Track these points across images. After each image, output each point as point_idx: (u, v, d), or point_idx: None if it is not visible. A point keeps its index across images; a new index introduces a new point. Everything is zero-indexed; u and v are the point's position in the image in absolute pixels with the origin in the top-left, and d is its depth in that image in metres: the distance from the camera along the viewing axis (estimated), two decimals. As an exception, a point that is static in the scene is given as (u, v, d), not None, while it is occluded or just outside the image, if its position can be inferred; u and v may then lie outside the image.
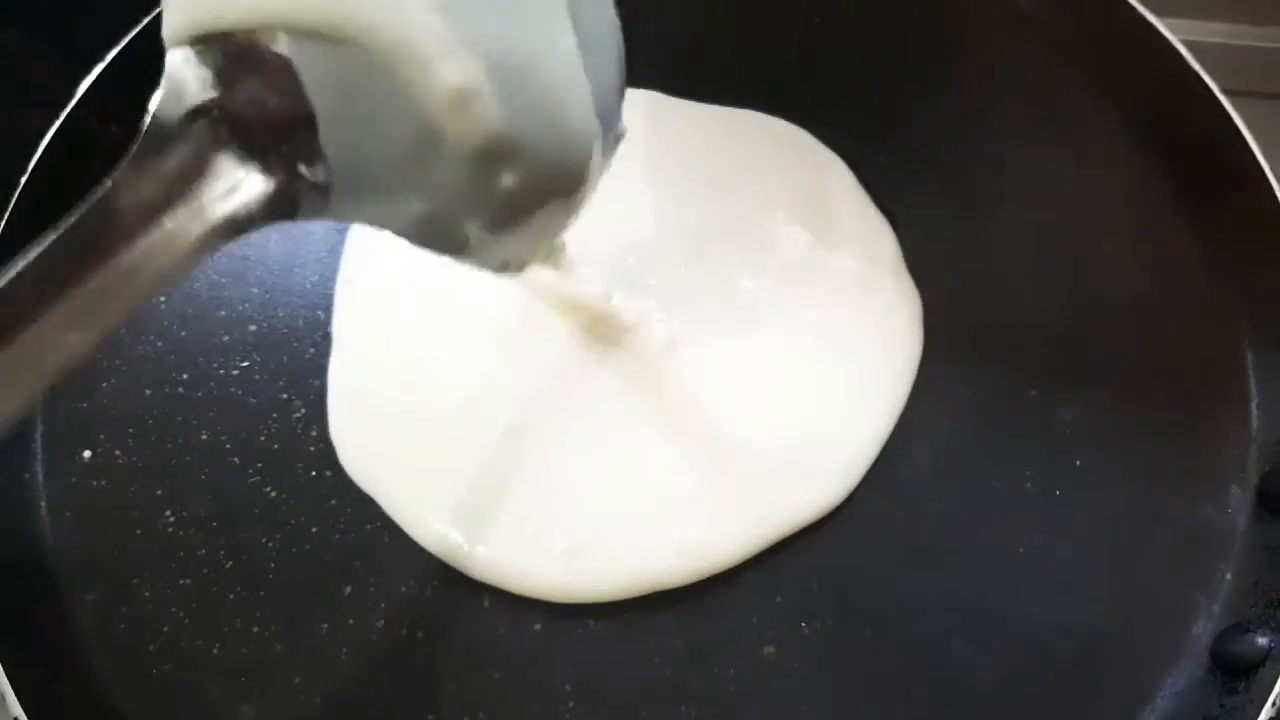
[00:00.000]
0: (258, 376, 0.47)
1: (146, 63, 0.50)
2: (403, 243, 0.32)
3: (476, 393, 0.47)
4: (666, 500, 0.44)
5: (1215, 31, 0.60)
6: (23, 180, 0.48)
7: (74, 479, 0.45)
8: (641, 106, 0.52)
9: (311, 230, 0.50)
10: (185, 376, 0.47)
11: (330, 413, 0.46)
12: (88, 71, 0.51)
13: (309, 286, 0.49)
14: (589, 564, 0.43)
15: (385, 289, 0.49)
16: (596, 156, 0.31)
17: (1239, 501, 0.43)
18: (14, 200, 0.48)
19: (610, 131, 0.32)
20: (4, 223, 0.47)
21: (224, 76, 0.27)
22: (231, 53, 0.27)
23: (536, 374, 0.47)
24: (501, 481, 0.44)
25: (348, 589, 0.42)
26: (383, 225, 0.31)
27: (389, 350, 0.48)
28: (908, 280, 0.47)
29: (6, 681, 0.39)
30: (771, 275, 0.48)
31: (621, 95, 0.34)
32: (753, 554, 0.43)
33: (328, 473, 0.45)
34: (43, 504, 0.45)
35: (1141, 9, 0.49)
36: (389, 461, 0.45)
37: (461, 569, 0.43)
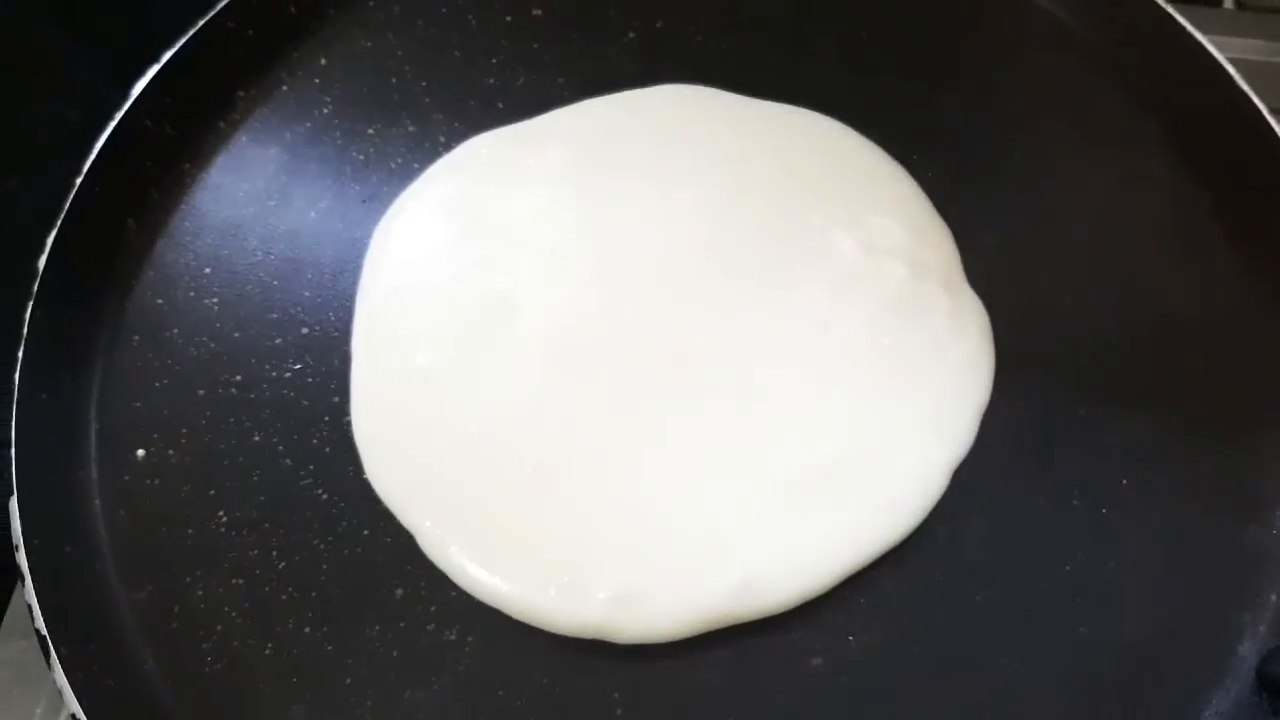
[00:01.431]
0: (310, 380, 0.47)
1: (200, 64, 0.52)
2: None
3: (511, 418, 0.45)
4: (721, 537, 0.42)
5: (1261, 49, 0.61)
6: (79, 180, 0.49)
7: (127, 478, 0.46)
8: (694, 101, 0.52)
9: (361, 236, 0.50)
10: (238, 378, 0.47)
11: (357, 437, 0.46)
12: (127, 68, 0.51)
13: (362, 291, 0.49)
14: (635, 612, 0.41)
15: (407, 301, 0.48)
16: None
17: (1286, 522, 0.43)
18: (71, 198, 0.48)
19: None
20: (60, 221, 0.48)
21: None
22: None
23: (581, 398, 0.46)
24: (538, 518, 0.43)
25: (399, 591, 0.43)
26: None
27: (413, 367, 0.47)
28: (972, 295, 0.47)
29: (64, 678, 0.40)
30: (836, 290, 0.47)
31: None
32: (812, 596, 0.42)
33: (379, 476, 0.45)
34: (96, 502, 0.45)
35: (1188, 26, 0.50)
36: (423, 496, 0.44)
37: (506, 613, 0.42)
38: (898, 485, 0.43)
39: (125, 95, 0.50)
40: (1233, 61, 0.48)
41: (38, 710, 0.48)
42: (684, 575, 0.42)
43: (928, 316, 0.46)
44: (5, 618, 0.51)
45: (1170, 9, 0.50)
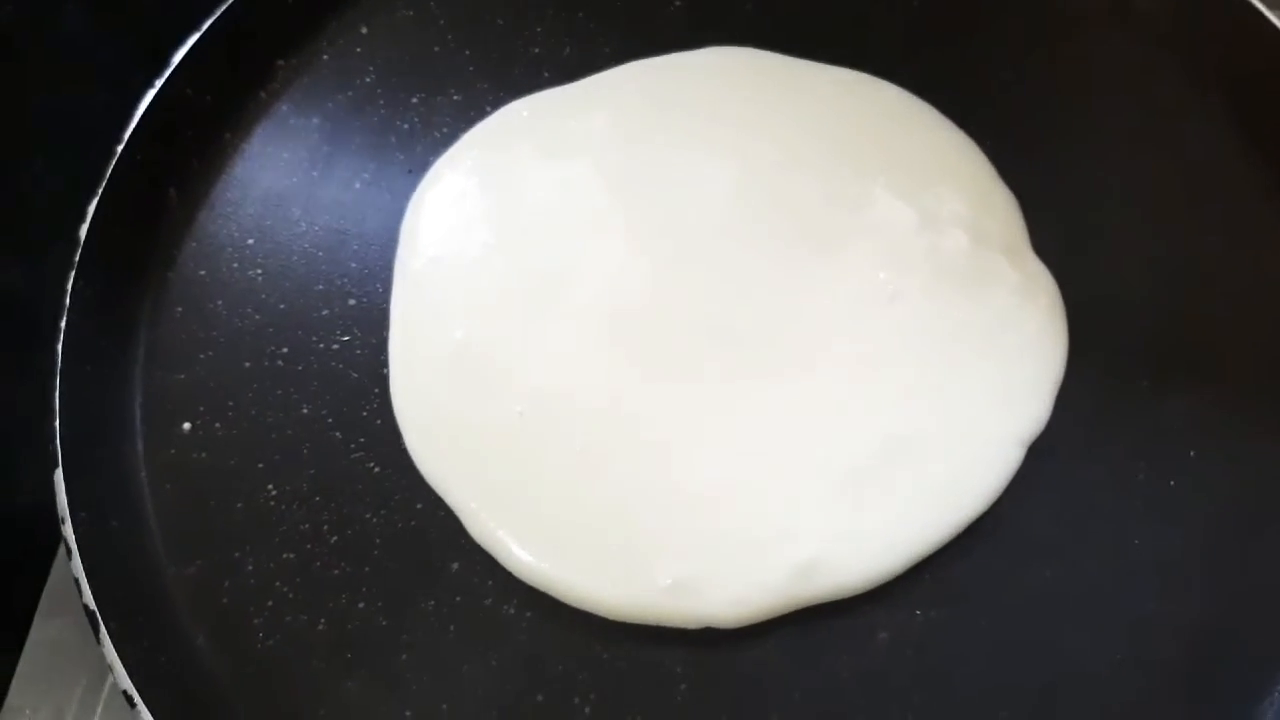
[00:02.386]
0: (359, 351, 0.46)
1: (240, 33, 0.51)
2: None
3: (557, 394, 0.44)
4: (786, 519, 0.41)
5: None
6: (119, 149, 0.48)
7: (173, 451, 0.45)
8: (745, 64, 0.51)
9: (407, 207, 0.49)
10: (285, 350, 0.46)
11: (397, 414, 0.44)
12: (155, 51, 0.50)
13: (408, 261, 0.48)
14: (698, 600, 0.40)
15: (444, 272, 0.47)
16: None
17: (1354, 496, 0.43)
18: (111, 166, 0.47)
19: None
20: (101, 189, 0.47)
21: None
22: None
23: (631, 373, 0.44)
24: (590, 500, 0.42)
25: (455, 565, 0.42)
26: None
27: (451, 341, 0.45)
28: (1040, 265, 0.46)
29: (115, 654, 0.39)
30: (900, 260, 0.45)
31: None
32: (882, 581, 0.40)
33: (431, 449, 0.44)
34: (143, 475, 0.44)
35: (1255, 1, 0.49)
36: (467, 475, 0.43)
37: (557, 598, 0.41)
38: (970, 464, 0.42)
39: (153, 76, 0.49)
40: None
41: (78, 691, 0.47)
42: (748, 561, 0.40)
43: (996, 288, 0.45)
44: (42, 597, 0.50)
45: (1230, -22, 0.49)
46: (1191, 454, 0.43)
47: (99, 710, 0.47)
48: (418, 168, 0.50)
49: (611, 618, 0.40)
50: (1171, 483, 0.43)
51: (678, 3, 0.54)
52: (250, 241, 0.49)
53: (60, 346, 0.44)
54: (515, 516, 0.42)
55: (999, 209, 0.47)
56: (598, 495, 0.42)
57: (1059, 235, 0.47)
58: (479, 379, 0.45)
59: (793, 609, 0.40)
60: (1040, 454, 0.43)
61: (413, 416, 0.44)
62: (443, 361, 0.45)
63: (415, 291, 0.47)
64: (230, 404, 0.45)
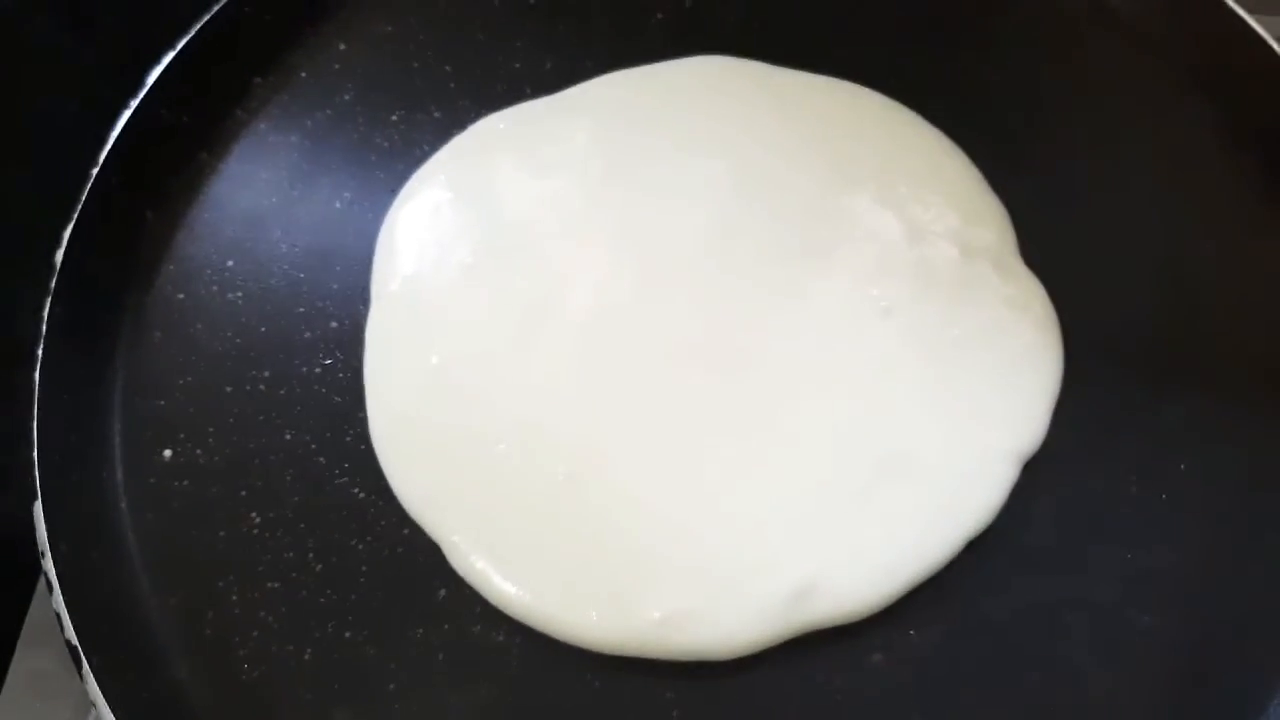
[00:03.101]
0: (342, 374, 0.45)
1: (216, 51, 0.50)
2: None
3: (537, 420, 0.43)
4: (780, 547, 0.40)
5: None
6: (94, 172, 0.47)
7: (154, 479, 0.44)
8: (728, 72, 0.50)
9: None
10: (267, 374, 0.45)
11: (374, 442, 0.44)
12: (128, 60, 0.50)
13: (392, 282, 0.47)
14: (690, 634, 0.38)
15: (419, 293, 0.46)
16: None
17: (1348, 504, 0.42)
18: (87, 190, 0.47)
19: None
20: (77, 213, 0.46)
21: None
22: None
23: (615, 396, 0.43)
24: (575, 531, 0.41)
25: (442, 592, 0.41)
26: None
27: (427, 367, 0.44)
28: (1031, 276, 0.46)
29: (98, 690, 0.38)
30: (889, 274, 0.45)
31: None
32: (881, 608, 0.40)
33: (417, 473, 0.43)
34: (123, 504, 0.44)
35: (1234, 5, 0.49)
36: (446, 506, 0.42)
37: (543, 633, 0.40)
38: (967, 482, 0.41)
39: (128, 87, 0.49)
40: (1280, 40, 0.48)
41: (61, 722, 0.47)
42: (742, 591, 0.39)
43: (987, 300, 0.44)
44: (24, 627, 0.49)
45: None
46: (1182, 467, 0.43)
47: (82, 743, 0.46)
48: (399, 186, 0.49)
49: (600, 651, 0.40)
50: (1164, 496, 0.43)
51: (660, 16, 0.53)
52: (230, 263, 0.48)
53: (37, 374, 0.43)
54: (498, 549, 0.41)
55: (989, 218, 0.46)
56: (583, 526, 0.41)
57: (1048, 245, 0.47)
58: (456, 407, 0.44)
59: (787, 639, 0.40)
60: (1031, 467, 0.43)
61: (390, 447, 0.43)
62: (419, 390, 0.44)
63: (390, 315, 0.46)
64: (211, 430, 0.45)
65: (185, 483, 0.44)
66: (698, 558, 0.40)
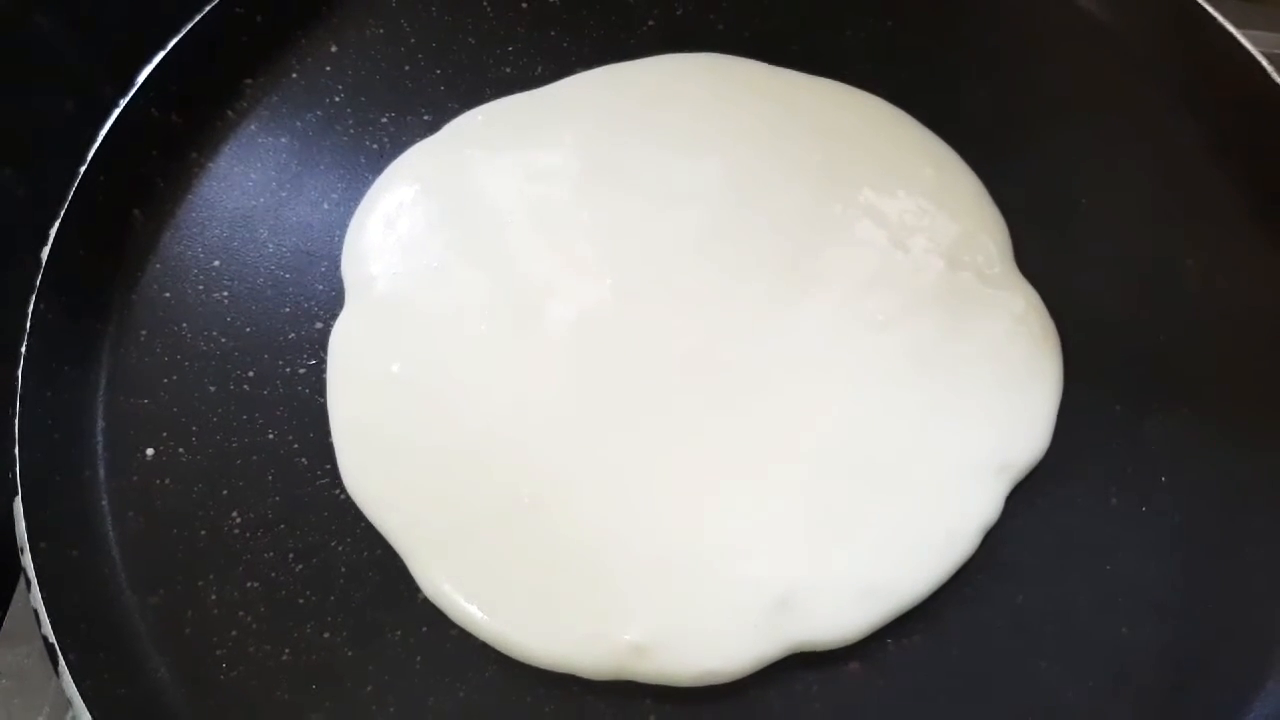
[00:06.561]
0: (325, 376, 0.45)
1: (207, 51, 0.50)
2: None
3: (505, 436, 0.41)
4: (760, 569, 0.39)
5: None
6: (82, 170, 0.47)
7: (136, 478, 0.44)
8: (720, 69, 0.48)
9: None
10: (251, 374, 0.45)
11: (338, 454, 0.43)
12: (124, 60, 0.49)
13: (377, 284, 0.47)
14: (666, 657, 0.37)
15: (383, 298, 0.45)
16: None
17: (1328, 520, 0.42)
18: (75, 188, 0.47)
19: None
20: (64, 211, 0.46)
21: None
22: None
23: (590, 409, 0.41)
24: (542, 553, 0.40)
25: (420, 594, 0.41)
26: None
27: (388, 376, 0.43)
28: (1029, 288, 0.45)
29: (75, 688, 0.38)
30: (887, 285, 0.43)
31: None
32: (863, 636, 0.39)
33: (399, 475, 0.43)
34: (104, 503, 0.44)
35: (1224, 21, 0.49)
36: (410, 524, 0.40)
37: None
38: (956, 509, 0.40)
39: (124, 86, 0.49)
40: (1269, 57, 0.48)
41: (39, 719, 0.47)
42: (720, 615, 0.38)
43: (984, 311, 0.44)
44: (4, 622, 0.49)
45: (1204, 3, 0.49)
46: (1163, 479, 0.43)
47: (61, 741, 0.46)
48: (387, 188, 0.49)
49: (574, 674, 0.39)
50: (1143, 508, 0.43)
51: (651, 21, 0.53)
52: (216, 263, 0.48)
53: (20, 371, 0.43)
54: (465, 576, 0.40)
55: (988, 227, 0.46)
56: (555, 547, 0.40)
57: (1026, 258, 0.47)
58: (417, 417, 0.43)
59: (765, 665, 0.39)
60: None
61: (349, 455, 0.43)
62: (378, 398, 0.43)
63: (353, 319, 0.45)
64: (194, 429, 0.45)
65: (167, 481, 0.44)
66: (673, 580, 0.39)
